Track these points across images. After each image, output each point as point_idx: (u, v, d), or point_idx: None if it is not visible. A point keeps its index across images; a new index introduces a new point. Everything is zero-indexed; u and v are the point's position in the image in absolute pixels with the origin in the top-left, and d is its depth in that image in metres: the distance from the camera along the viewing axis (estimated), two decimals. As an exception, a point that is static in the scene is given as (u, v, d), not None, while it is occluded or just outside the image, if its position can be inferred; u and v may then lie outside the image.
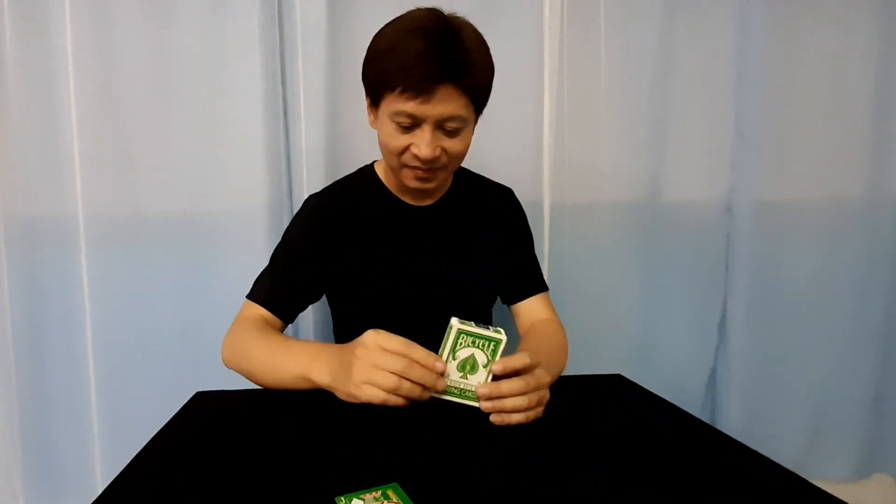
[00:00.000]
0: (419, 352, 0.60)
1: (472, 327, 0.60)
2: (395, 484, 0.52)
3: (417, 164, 0.79)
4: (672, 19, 1.25)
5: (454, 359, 0.60)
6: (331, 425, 0.67)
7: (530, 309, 0.96)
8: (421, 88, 0.71)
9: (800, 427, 1.40)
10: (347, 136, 1.18)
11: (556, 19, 1.21)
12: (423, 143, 0.76)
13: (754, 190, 1.31)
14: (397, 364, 0.59)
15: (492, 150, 1.19)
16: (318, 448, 0.61)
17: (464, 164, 1.00)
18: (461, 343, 0.60)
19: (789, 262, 1.35)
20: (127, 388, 1.18)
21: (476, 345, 0.60)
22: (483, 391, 0.60)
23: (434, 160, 0.78)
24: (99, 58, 1.11)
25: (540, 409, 0.64)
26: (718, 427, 0.67)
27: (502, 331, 0.61)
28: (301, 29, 1.13)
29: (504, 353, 0.62)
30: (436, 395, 0.61)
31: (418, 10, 0.76)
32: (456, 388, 0.61)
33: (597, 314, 1.32)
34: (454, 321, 0.60)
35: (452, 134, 0.78)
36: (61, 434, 1.19)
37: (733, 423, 1.38)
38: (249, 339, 0.80)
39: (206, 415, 0.73)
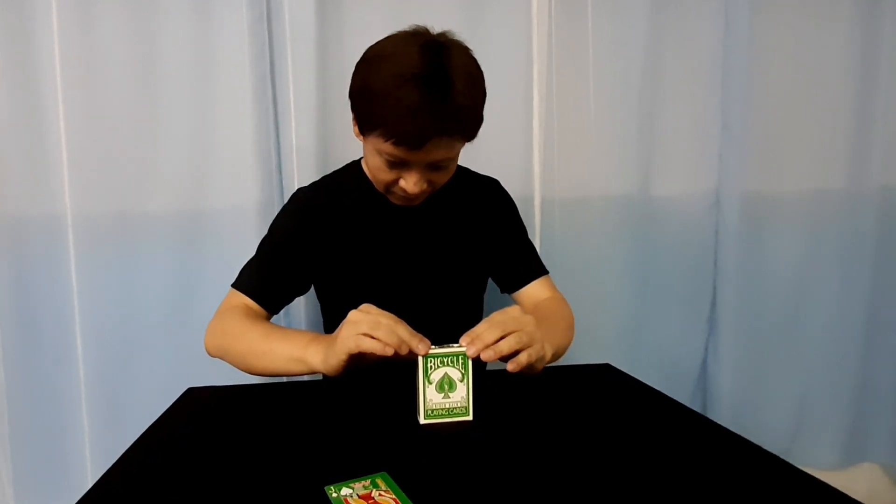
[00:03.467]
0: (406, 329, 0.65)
1: (435, 349, 0.64)
2: (384, 473, 0.52)
3: (404, 194, 0.81)
4: (659, 16, 1.26)
5: (430, 383, 0.64)
6: (321, 419, 0.68)
7: (532, 293, 0.96)
8: (413, 143, 0.72)
9: (787, 416, 1.42)
10: (338, 133, 1.18)
11: (544, 17, 1.22)
12: (411, 182, 0.77)
13: (742, 184, 1.33)
14: (387, 318, 0.65)
15: (482, 147, 1.19)
16: (309, 441, 0.62)
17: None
18: (431, 367, 0.64)
19: (776, 254, 1.37)
20: (117, 387, 1.18)
21: (445, 363, 0.64)
22: (464, 341, 0.64)
23: (421, 192, 0.80)
24: (86, 57, 1.10)
25: (535, 346, 0.66)
26: (709, 417, 0.68)
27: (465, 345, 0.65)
28: (290, 27, 1.13)
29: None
30: (425, 422, 0.64)
31: (411, 41, 0.72)
32: (441, 409, 0.64)
33: (587, 308, 1.31)
34: None
35: (441, 168, 0.79)
36: (51, 433, 1.18)
37: (723, 414, 1.40)
38: (239, 324, 0.82)
39: (197, 410, 0.74)
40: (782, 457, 0.56)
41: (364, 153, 0.84)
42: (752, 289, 1.37)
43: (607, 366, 0.88)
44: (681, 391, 1.42)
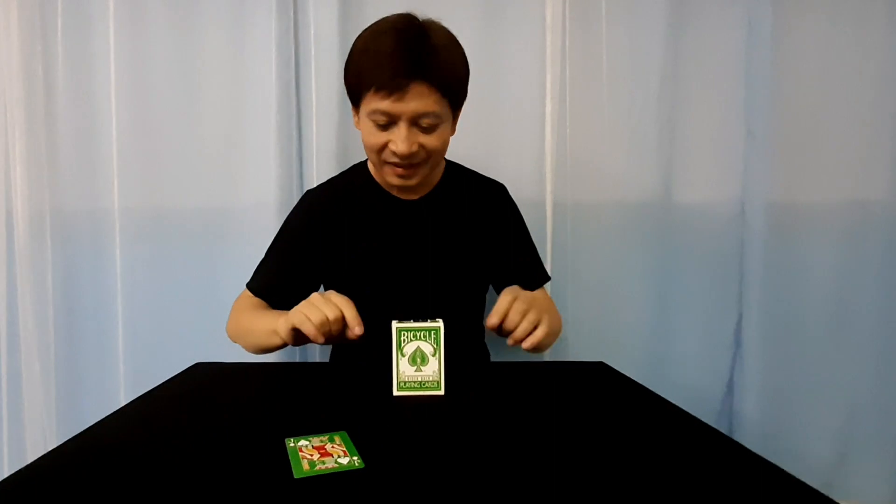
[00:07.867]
0: (350, 311, 0.70)
1: (409, 323, 0.67)
2: (343, 432, 0.55)
3: (396, 160, 0.82)
4: (677, 17, 1.25)
5: (403, 355, 0.66)
6: (298, 394, 0.72)
7: None
8: (393, 86, 0.76)
9: (825, 444, 1.31)
10: (355, 139, 1.21)
11: (557, 24, 1.24)
12: (399, 140, 0.80)
13: (768, 192, 1.27)
14: (330, 310, 0.70)
15: (494, 151, 1.23)
16: (281, 406, 0.66)
17: (463, 162, 1.04)
18: (404, 339, 0.66)
19: (808, 266, 1.29)
20: (152, 370, 1.24)
21: (418, 337, 0.66)
22: (494, 318, 0.71)
23: (411, 156, 0.81)
24: (135, 70, 1.23)
25: (543, 326, 0.72)
26: (736, 440, 0.59)
27: (439, 320, 0.67)
28: (314, 40, 1.22)
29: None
30: (398, 394, 0.66)
31: (388, 19, 0.81)
32: (413, 381, 0.66)
33: (598, 321, 1.29)
34: (393, 323, 0.67)
35: (428, 130, 0.81)
36: (92, 406, 1.27)
37: (752, 441, 1.27)
38: (242, 311, 0.92)
39: (198, 380, 0.80)
40: (822, 489, 0.46)
41: (361, 136, 0.86)
42: (781, 305, 1.28)
43: (601, 364, 0.86)
44: (706, 409, 1.34)
